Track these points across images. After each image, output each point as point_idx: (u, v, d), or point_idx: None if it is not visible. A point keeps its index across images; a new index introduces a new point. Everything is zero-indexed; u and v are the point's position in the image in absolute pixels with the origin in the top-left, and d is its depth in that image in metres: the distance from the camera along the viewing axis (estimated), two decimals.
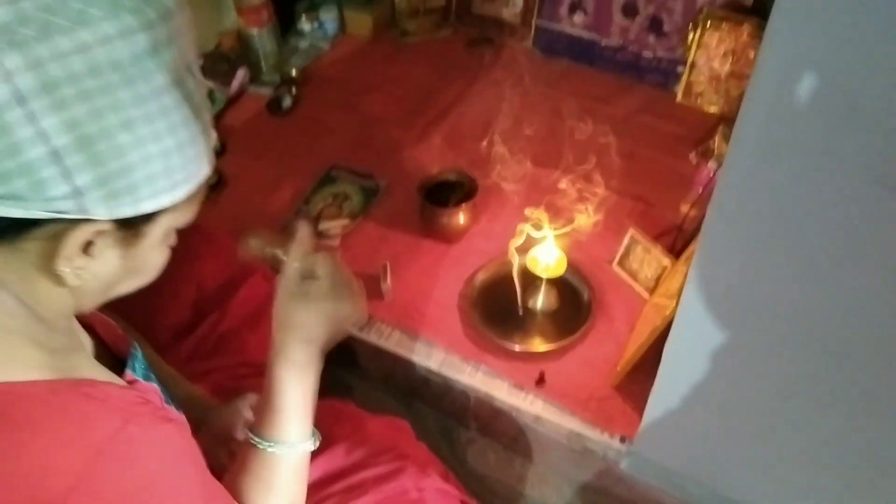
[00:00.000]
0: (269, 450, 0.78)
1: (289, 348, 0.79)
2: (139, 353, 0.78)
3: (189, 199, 0.65)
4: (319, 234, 1.46)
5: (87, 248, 0.60)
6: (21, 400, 0.57)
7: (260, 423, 0.80)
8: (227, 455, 0.94)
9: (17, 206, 0.54)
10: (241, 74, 1.82)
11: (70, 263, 0.59)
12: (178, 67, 0.59)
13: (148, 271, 0.69)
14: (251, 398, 0.97)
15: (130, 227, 0.61)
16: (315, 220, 1.48)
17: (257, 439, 0.79)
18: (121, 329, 0.85)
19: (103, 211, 0.57)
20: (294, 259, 0.81)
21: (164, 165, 0.59)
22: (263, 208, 1.54)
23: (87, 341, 0.75)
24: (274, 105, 1.78)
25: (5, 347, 0.59)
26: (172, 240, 0.70)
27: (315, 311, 0.79)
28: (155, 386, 0.74)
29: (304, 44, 1.97)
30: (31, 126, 0.52)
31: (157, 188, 0.60)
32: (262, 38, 1.83)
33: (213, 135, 0.66)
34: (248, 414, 0.95)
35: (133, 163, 0.57)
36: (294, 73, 1.84)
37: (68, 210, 0.56)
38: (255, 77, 1.86)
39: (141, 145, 0.57)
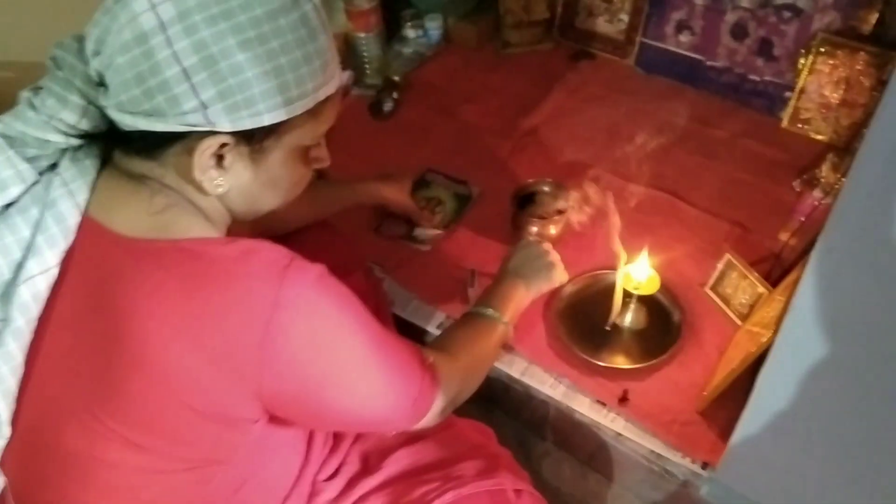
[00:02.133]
0: (489, 314, 1.05)
1: (521, 267, 1.17)
2: None
3: (312, 117, 0.72)
4: (412, 239, 1.49)
5: (219, 161, 0.69)
6: (220, 245, 0.69)
7: (488, 299, 1.08)
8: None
9: (158, 121, 0.65)
10: (345, 76, 1.87)
11: (205, 174, 0.69)
12: None
13: (286, 186, 0.77)
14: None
15: (253, 141, 0.69)
16: (409, 225, 1.51)
17: (483, 308, 1.06)
18: None
19: (227, 123, 0.66)
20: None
21: (279, 82, 0.66)
22: (359, 208, 1.58)
23: None
24: (375, 108, 1.83)
25: (187, 219, 0.71)
26: (314, 158, 0.78)
27: (543, 261, 1.21)
28: None
29: (408, 50, 2.01)
30: (169, 49, 0.62)
31: (274, 103, 0.67)
32: (368, 42, 1.88)
33: (335, 57, 0.73)
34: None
35: (249, 79, 0.65)
36: (397, 77, 1.88)
37: (197, 123, 0.65)
38: (359, 79, 1.91)
39: (257, 63, 0.64)
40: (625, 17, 1.88)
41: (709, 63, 1.78)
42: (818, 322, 0.88)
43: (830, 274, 0.83)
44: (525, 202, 1.43)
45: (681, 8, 1.78)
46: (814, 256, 0.84)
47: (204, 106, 0.64)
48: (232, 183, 0.71)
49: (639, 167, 1.61)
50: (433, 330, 1.36)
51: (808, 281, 0.86)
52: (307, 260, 0.69)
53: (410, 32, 2.03)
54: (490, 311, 1.05)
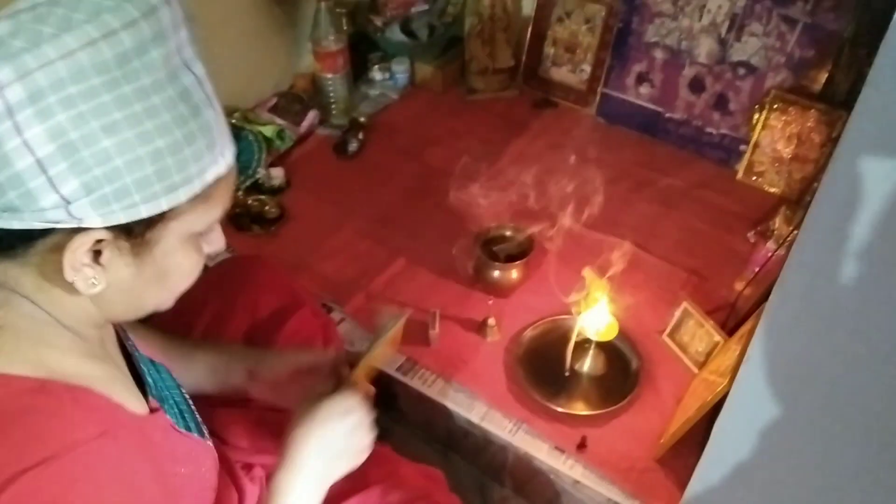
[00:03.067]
0: None
1: (304, 465, 0.80)
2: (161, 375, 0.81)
3: (202, 201, 0.63)
4: None
5: (95, 257, 0.60)
6: (11, 387, 0.57)
7: None
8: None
9: (13, 218, 0.55)
10: (311, 115, 1.88)
11: (78, 273, 0.59)
12: (170, 64, 0.58)
13: (176, 279, 0.67)
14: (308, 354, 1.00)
15: (133, 235, 0.60)
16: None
17: None
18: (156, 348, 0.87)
19: (97, 218, 0.57)
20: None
21: (157, 168, 0.57)
22: (320, 246, 1.58)
23: (119, 361, 0.75)
24: (340, 147, 1.83)
25: (10, 344, 0.60)
26: (208, 243, 0.69)
27: (347, 446, 0.84)
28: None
29: (374, 92, 2.03)
30: (18, 137, 0.52)
31: (152, 192, 0.58)
32: (335, 83, 1.89)
33: (225, 130, 0.64)
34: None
35: (119, 167, 0.56)
36: (362, 119, 1.90)
37: (61, 219, 0.56)
38: (324, 119, 1.91)
39: (127, 149, 0.55)
40: (587, 68, 1.93)
41: (667, 115, 1.84)
42: (773, 371, 0.89)
43: (784, 324, 0.85)
44: (487, 246, 1.43)
45: (641, 61, 1.83)
46: (768, 307, 0.86)
47: (66, 201, 0.55)
48: (110, 280, 0.62)
49: (599, 214, 1.63)
50: (393, 373, 1.35)
51: (763, 330, 0.88)
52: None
53: (377, 75, 2.05)
54: None
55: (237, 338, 1.18)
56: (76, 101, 0.53)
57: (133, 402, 0.69)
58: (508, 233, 1.45)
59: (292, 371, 0.97)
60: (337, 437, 0.82)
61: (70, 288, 0.60)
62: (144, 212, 0.58)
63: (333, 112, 1.92)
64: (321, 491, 0.82)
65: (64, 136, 0.53)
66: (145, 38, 0.56)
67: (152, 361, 0.83)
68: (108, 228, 0.58)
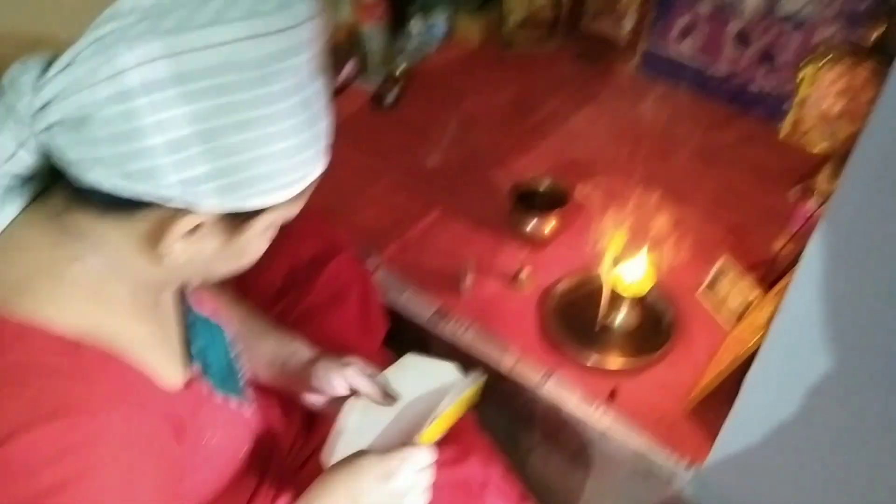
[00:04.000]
0: None
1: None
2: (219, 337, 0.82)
3: (295, 198, 0.66)
4: None
5: (190, 235, 0.62)
6: (46, 344, 0.59)
7: None
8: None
9: (129, 188, 0.57)
10: (348, 67, 1.87)
11: (171, 248, 0.62)
12: (302, 73, 0.60)
13: (246, 258, 0.70)
14: (352, 360, 0.96)
15: (235, 220, 0.63)
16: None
17: None
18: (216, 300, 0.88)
19: (212, 204, 0.59)
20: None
21: (282, 165, 0.60)
22: (357, 196, 1.59)
23: (171, 321, 0.76)
24: (377, 100, 1.83)
25: (64, 296, 0.62)
26: (274, 230, 0.72)
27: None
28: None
29: (412, 44, 2.01)
30: (158, 115, 0.55)
31: (271, 186, 0.61)
32: (373, 34, 1.88)
33: (328, 138, 0.67)
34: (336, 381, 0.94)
35: (249, 160, 0.59)
36: (400, 71, 1.89)
37: (175, 198, 0.58)
38: (362, 71, 1.91)
39: (262, 144, 0.58)
40: (630, 22, 1.89)
41: (711, 70, 1.79)
42: (807, 325, 0.88)
43: (820, 277, 0.84)
44: (523, 199, 1.43)
45: (685, 14, 1.79)
46: (804, 260, 0.85)
47: (189, 183, 0.57)
48: (193, 255, 0.64)
49: (637, 169, 1.62)
50: (426, 320, 1.36)
51: (799, 284, 0.87)
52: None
53: (416, 26, 2.03)
54: None
55: (276, 282, 1.20)
56: (219, 92, 0.56)
57: (171, 368, 0.71)
58: (545, 185, 1.44)
59: (346, 390, 0.95)
60: (370, 499, 0.78)
61: (153, 257, 0.63)
62: (257, 204, 0.62)
63: (371, 64, 1.91)
64: None
65: (201, 123, 0.56)
66: (289, 47, 0.58)
67: (208, 319, 0.85)
68: (214, 214, 0.61)
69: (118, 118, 0.55)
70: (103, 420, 0.59)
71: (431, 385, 0.95)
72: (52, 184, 0.65)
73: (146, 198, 0.58)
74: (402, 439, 0.86)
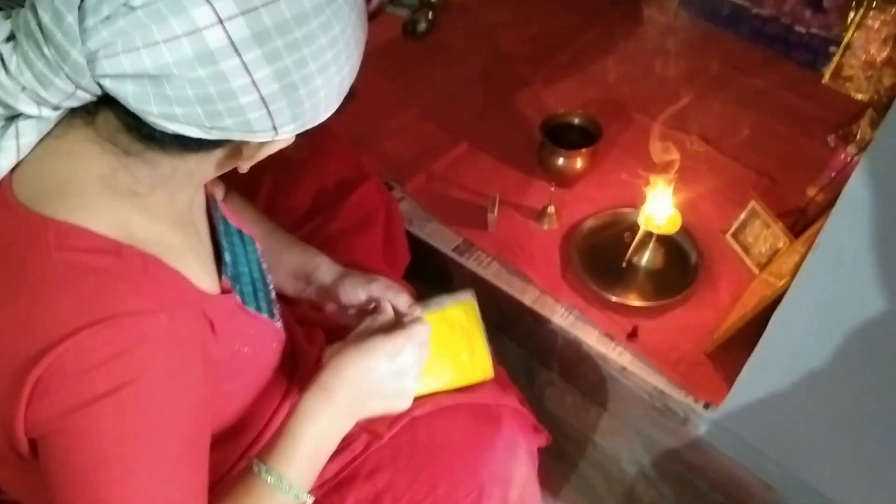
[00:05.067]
0: (265, 477, 0.72)
1: (337, 391, 0.78)
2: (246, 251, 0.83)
3: None
4: None
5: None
6: (90, 244, 0.60)
7: (268, 447, 0.75)
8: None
9: (219, 136, 0.59)
10: None
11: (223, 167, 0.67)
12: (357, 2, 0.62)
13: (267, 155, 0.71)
14: (374, 278, 0.96)
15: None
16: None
17: (257, 464, 0.73)
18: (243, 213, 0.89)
19: (291, 130, 0.62)
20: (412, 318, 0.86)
21: (334, 96, 0.63)
22: (385, 125, 1.57)
23: (204, 232, 0.78)
24: (409, 27, 1.79)
25: (106, 201, 0.62)
26: None
27: (386, 388, 0.81)
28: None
29: None
30: (247, 76, 0.56)
31: (323, 114, 0.63)
32: None
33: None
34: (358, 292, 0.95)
35: (321, 100, 0.61)
36: None
37: (265, 138, 0.62)
38: None
39: (330, 82, 0.60)
40: None
41: (755, 10, 1.73)
42: (837, 271, 0.87)
43: (854, 224, 0.82)
44: (553, 134, 1.40)
45: None
46: (839, 205, 0.83)
47: (276, 128, 0.60)
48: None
49: (672, 109, 1.58)
50: (449, 252, 1.36)
51: (831, 229, 0.86)
52: (158, 319, 0.60)
53: None
54: (286, 483, 0.73)
55: (302, 205, 1.20)
56: (300, 45, 0.57)
57: (205, 278, 0.71)
58: (576, 120, 1.41)
59: (369, 299, 0.95)
60: (378, 375, 0.80)
61: (198, 162, 0.65)
62: (316, 122, 0.64)
63: None
64: (347, 423, 0.80)
65: (288, 76, 0.57)
66: None
67: (240, 232, 0.85)
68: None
69: (208, 80, 0.55)
70: (150, 321, 0.60)
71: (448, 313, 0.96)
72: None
73: (236, 140, 0.62)
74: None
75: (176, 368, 0.62)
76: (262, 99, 0.57)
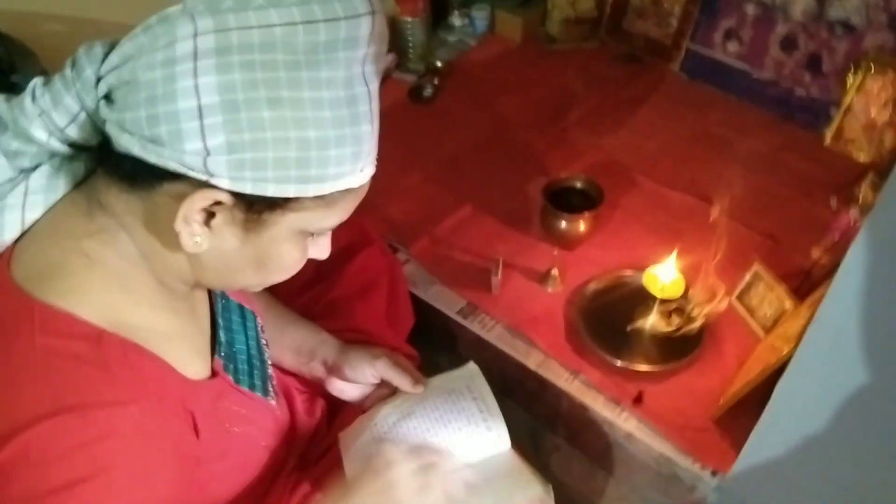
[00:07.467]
0: None
1: None
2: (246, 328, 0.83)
3: (325, 205, 0.64)
4: None
5: (209, 218, 0.61)
6: (72, 329, 0.60)
7: None
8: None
9: (154, 152, 0.58)
10: (388, 59, 1.88)
11: (187, 227, 0.61)
12: (351, 70, 0.60)
13: (274, 268, 0.68)
14: (381, 353, 0.97)
15: (252, 210, 0.61)
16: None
17: None
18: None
19: (226, 180, 0.58)
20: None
21: (300, 155, 0.59)
22: (390, 188, 1.59)
23: (202, 312, 0.77)
24: (415, 93, 1.83)
25: (89, 284, 0.62)
26: (315, 248, 0.71)
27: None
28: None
29: (452, 38, 2.02)
30: (192, 79, 0.55)
31: (286, 175, 0.59)
32: (414, 27, 1.88)
33: (373, 149, 0.65)
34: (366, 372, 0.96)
35: (267, 140, 0.57)
36: (439, 64, 1.89)
37: (195, 168, 0.58)
38: (401, 63, 1.91)
39: (281, 126, 0.57)
40: (674, 22, 1.86)
41: (755, 74, 1.76)
42: (842, 337, 0.86)
43: (858, 289, 0.82)
44: (556, 197, 1.42)
45: (731, 16, 1.76)
46: (842, 270, 0.83)
47: (207, 152, 0.57)
48: (213, 245, 0.63)
49: (674, 172, 1.60)
50: (454, 315, 1.36)
51: (835, 294, 0.85)
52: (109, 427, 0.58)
53: (457, 20, 2.03)
54: None
55: (306, 270, 1.20)
56: (255, 67, 0.56)
57: (195, 362, 0.71)
58: (578, 184, 1.43)
59: (375, 379, 0.97)
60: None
61: (174, 240, 0.62)
62: (271, 191, 0.60)
63: (410, 56, 1.91)
64: None
65: (232, 92, 0.56)
66: (339, 38, 0.58)
67: (241, 307, 0.85)
68: (232, 193, 0.59)
69: (158, 81, 0.56)
70: (120, 413, 0.59)
71: (454, 384, 0.96)
72: (93, 171, 0.66)
73: (169, 164, 0.58)
74: (425, 436, 0.89)
75: (140, 466, 0.61)
76: (200, 108, 0.56)
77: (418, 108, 1.82)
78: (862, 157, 1.61)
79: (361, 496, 0.79)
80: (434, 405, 0.93)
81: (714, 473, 1.12)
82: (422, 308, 1.36)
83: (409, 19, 1.87)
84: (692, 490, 1.15)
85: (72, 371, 0.58)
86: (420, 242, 1.48)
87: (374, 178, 0.70)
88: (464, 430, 0.92)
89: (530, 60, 1.96)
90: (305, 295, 1.18)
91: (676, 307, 1.26)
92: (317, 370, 1.00)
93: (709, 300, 1.25)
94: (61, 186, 0.66)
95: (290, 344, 0.99)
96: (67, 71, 0.60)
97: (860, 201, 1.38)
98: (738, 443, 1.07)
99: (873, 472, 0.93)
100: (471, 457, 0.91)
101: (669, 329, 1.25)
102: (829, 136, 1.64)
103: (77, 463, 0.57)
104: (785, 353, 1.04)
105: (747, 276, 1.32)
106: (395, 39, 1.91)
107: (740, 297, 1.33)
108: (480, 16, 2.00)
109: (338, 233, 1.21)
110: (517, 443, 1.10)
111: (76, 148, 0.64)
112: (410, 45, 1.90)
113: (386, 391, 0.94)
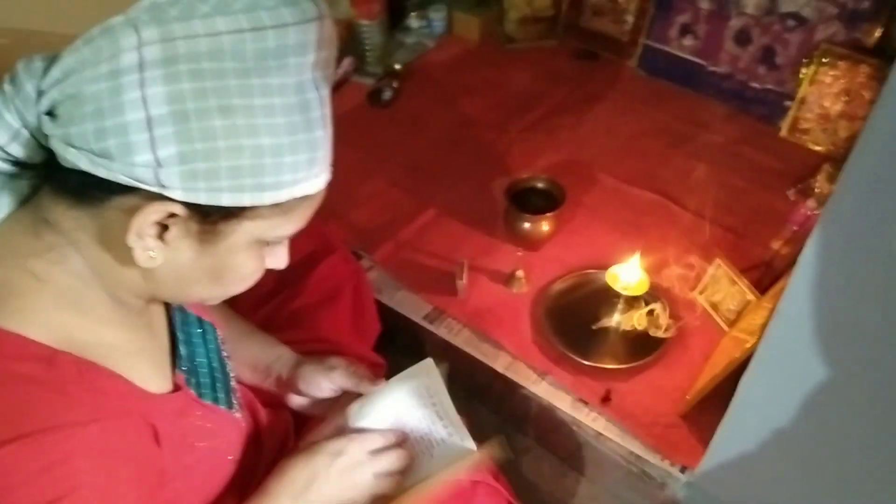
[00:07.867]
0: None
1: (280, 496, 0.80)
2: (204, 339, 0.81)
3: (282, 213, 0.63)
4: None
5: (162, 231, 0.60)
6: (23, 351, 0.58)
7: None
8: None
9: (103, 166, 0.56)
10: (346, 63, 1.86)
11: (140, 241, 0.59)
12: (302, 75, 0.59)
13: (231, 279, 0.66)
14: (337, 363, 0.95)
15: (206, 220, 0.60)
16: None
17: None
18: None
19: (179, 191, 0.57)
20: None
21: (253, 163, 0.58)
22: (351, 194, 1.58)
23: (159, 326, 0.75)
24: (375, 96, 1.82)
25: (41, 304, 0.60)
26: (272, 257, 0.69)
27: (335, 485, 0.82)
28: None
29: (410, 40, 2.01)
30: (139, 91, 0.54)
31: (240, 184, 0.58)
32: (371, 30, 1.87)
33: (328, 155, 0.64)
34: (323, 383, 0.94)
35: (219, 149, 0.56)
36: (398, 67, 1.88)
37: (146, 180, 0.56)
38: (359, 67, 1.90)
39: (233, 134, 0.56)
40: (629, 19, 1.87)
41: (711, 68, 1.78)
42: (803, 329, 0.87)
43: (817, 281, 0.83)
44: (518, 198, 1.41)
45: (685, 12, 1.77)
46: (801, 262, 0.84)
47: (158, 164, 0.55)
48: (168, 258, 0.61)
49: (634, 168, 1.61)
50: (420, 321, 1.35)
51: (795, 287, 0.86)
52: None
53: (414, 22, 2.02)
54: None
55: (267, 280, 1.18)
56: (204, 76, 0.55)
57: (155, 377, 0.69)
58: (540, 184, 1.42)
59: (333, 391, 0.95)
60: (323, 475, 0.82)
61: (127, 255, 0.60)
62: (226, 200, 0.58)
63: (368, 60, 1.90)
64: None
65: (181, 103, 0.55)
66: (288, 44, 0.57)
67: (200, 320, 0.83)
68: (185, 205, 0.58)
69: (104, 93, 0.55)
70: (80, 433, 0.57)
71: (415, 384, 0.95)
72: (38, 188, 0.64)
73: (119, 178, 0.56)
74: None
75: (106, 484, 0.59)
76: (149, 120, 0.54)
77: (378, 112, 1.80)
78: (818, 147, 1.63)
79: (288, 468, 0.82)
80: (395, 411, 0.92)
81: (683, 470, 1.13)
82: (388, 315, 1.35)
83: (366, 22, 1.85)
84: (663, 487, 1.15)
85: (27, 395, 0.56)
86: (384, 248, 1.47)
87: (334, 184, 0.68)
88: (426, 439, 0.91)
89: (489, 60, 1.96)
90: (268, 306, 1.16)
91: (649, 310, 1.27)
92: (273, 386, 0.98)
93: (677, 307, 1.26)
94: (5, 206, 0.63)
95: (246, 359, 0.97)
96: (6, 87, 0.58)
97: (816, 192, 1.40)
98: (706, 438, 1.08)
99: (839, 462, 0.94)
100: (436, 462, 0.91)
101: (638, 329, 1.26)
102: (784, 127, 1.67)
103: (43, 487, 0.55)
104: (749, 345, 1.05)
105: (709, 271, 1.33)
106: (353, 43, 1.89)
107: (703, 292, 1.34)
108: (438, 17, 1.99)
109: (300, 241, 1.19)
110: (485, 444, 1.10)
111: (19, 166, 0.62)
112: (368, 48, 1.89)
113: (349, 401, 0.92)
